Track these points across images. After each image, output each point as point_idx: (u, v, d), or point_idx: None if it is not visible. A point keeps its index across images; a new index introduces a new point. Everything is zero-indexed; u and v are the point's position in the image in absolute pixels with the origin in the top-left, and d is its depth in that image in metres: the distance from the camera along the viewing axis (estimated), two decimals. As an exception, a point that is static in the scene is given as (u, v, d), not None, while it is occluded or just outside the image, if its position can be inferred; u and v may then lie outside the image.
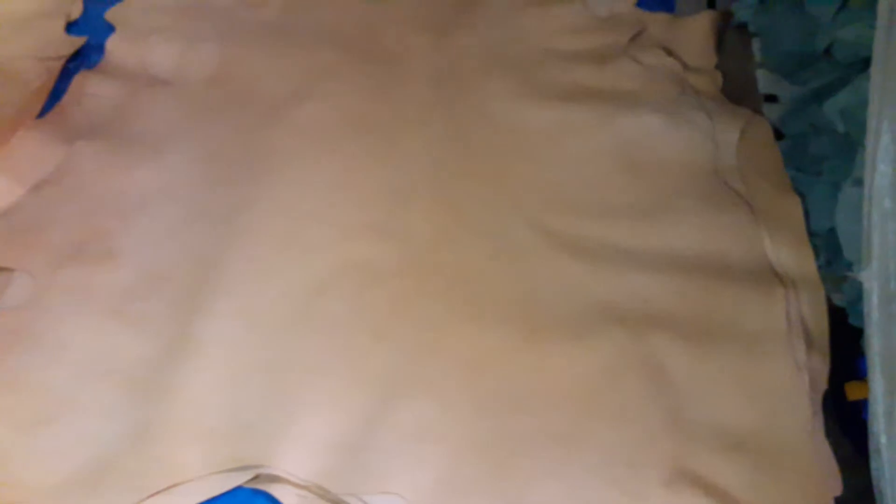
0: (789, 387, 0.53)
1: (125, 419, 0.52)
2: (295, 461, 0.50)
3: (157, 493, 0.49)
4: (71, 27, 0.82)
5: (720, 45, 0.82)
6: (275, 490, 0.50)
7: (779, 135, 0.71)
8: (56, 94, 0.75)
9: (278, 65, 0.77)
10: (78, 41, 0.80)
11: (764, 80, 0.78)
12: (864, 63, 0.65)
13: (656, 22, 0.82)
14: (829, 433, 0.52)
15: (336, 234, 0.63)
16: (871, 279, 0.46)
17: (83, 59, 0.79)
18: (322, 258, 0.61)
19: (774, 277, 0.59)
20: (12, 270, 0.61)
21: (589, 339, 0.56)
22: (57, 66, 0.76)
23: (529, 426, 0.52)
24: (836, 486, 0.50)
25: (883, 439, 0.45)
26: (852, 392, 0.56)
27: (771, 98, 0.76)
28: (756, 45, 0.81)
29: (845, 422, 0.55)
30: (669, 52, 0.79)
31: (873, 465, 0.47)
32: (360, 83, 0.76)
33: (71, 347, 0.56)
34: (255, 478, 0.50)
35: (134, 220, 0.64)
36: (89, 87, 0.75)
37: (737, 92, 0.77)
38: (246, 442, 0.51)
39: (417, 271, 0.61)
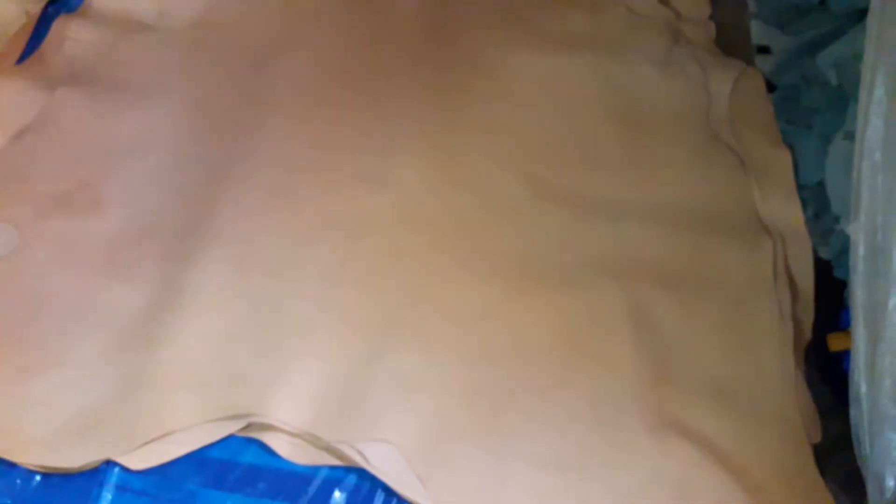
0: (774, 336, 0.54)
1: (115, 369, 0.52)
2: (287, 410, 0.50)
3: (149, 441, 0.49)
4: (50, -31, 0.80)
5: (714, -7, 0.81)
6: (267, 438, 0.50)
7: (771, 87, 0.70)
8: (35, 39, 0.73)
9: (265, 10, 0.75)
10: (57, -17, 0.77)
11: (757, 31, 0.77)
12: (860, 14, 0.64)
13: (649, -31, 0.81)
14: (810, 382, 0.54)
15: (324, 185, 0.62)
16: (857, 232, 0.47)
17: (63, 3, 0.77)
18: (312, 209, 0.61)
19: (762, 229, 0.60)
20: (-4, 221, 0.60)
21: (577, 290, 0.57)
22: (36, 9, 0.74)
23: (517, 376, 0.53)
24: (815, 434, 0.51)
25: (863, 388, 0.46)
26: (834, 343, 0.57)
27: (764, 49, 0.76)
28: (750, -7, 0.80)
29: (826, 371, 0.56)
30: (663, 1, 0.78)
31: (852, 412, 0.48)
32: (349, 31, 0.74)
33: (58, 298, 0.56)
34: (248, 426, 0.50)
35: (120, 169, 0.63)
36: (70, 32, 0.73)
37: (730, 43, 0.76)
38: (237, 391, 0.51)
39: (407, 223, 0.61)
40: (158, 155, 0.64)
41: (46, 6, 0.75)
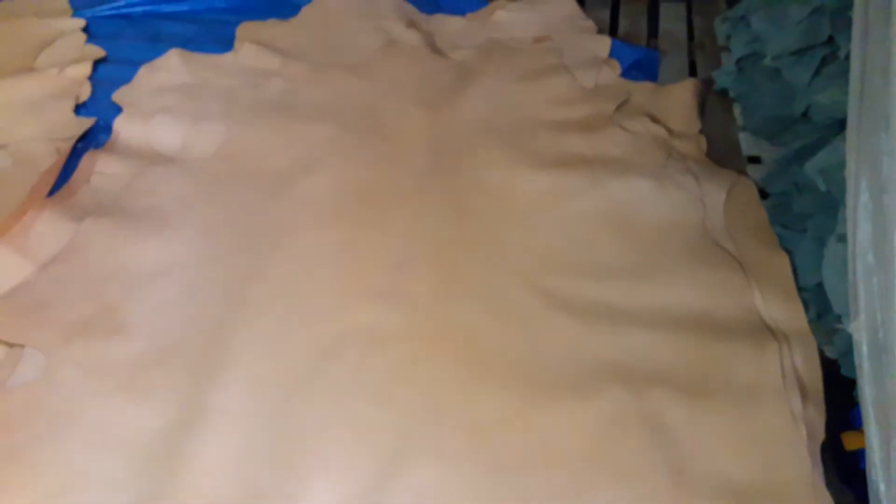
0: (787, 438, 0.54)
1: (136, 490, 0.53)
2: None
3: (170, 562, 0.49)
4: (79, 109, 0.85)
5: (703, 110, 0.85)
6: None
7: (763, 194, 0.74)
8: (66, 173, 0.77)
9: (281, 141, 0.80)
10: (87, 122, 0.83)
11: (747, 143, 0.81)
12: (840, 124, 0.68)
13: (641, 91, 0.87)
14: (830, 484, 0.53)
15: (339, 302, 0.65)
16: (859, 330, 0.48)
17: (91, 139, 0.82)
18: (326, 326, 0.63)
19: (767, 332, 0.61)
20: (23, 347, 0.62)
21: (588, 397, 0.58)
22: (67, 146, 0.79)
23: (534, 485, 0.53)
24: (839, 536, 0.51)
25: (882, 487, 0.46)
26: (849, 442, 0.57)
27: (754, 159, 0.80)
28: (737, 109, 0.85)
29: (845, 472, 0.56)
30: (655, 119, 0.83)
31: (874, 513, 0.48)
32: (360, 156, 0.79)
33: (82, 421, 0.57)
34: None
35: (141, 294, 0.66)
36: (98, 166, 0.78)
37: (721, 155, 0.80)
38: (256, 510, 0.52)
39: (419, 336, 0.62)
40: (178, 280, 0.67)
41: (76, 142, 0.80)
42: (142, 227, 0.72)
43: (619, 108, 0.83)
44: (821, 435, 0.55)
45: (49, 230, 0.70)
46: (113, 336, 0.62)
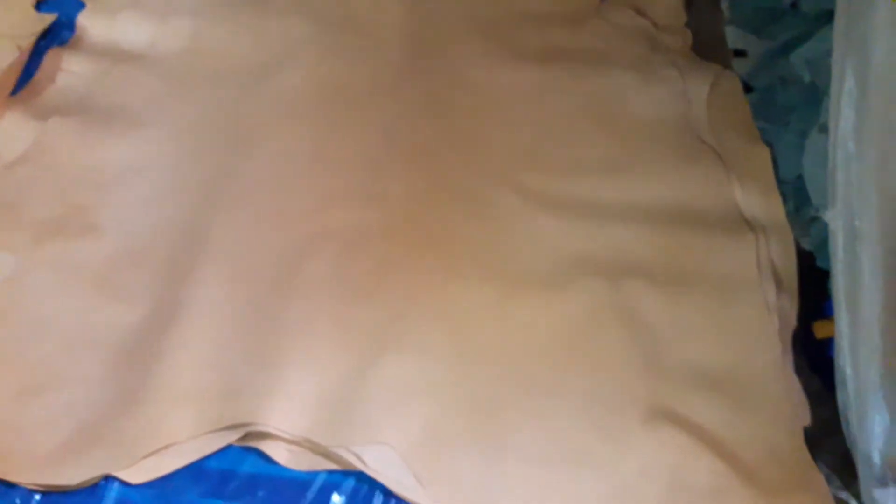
0: (760, 327, 0.55)
1: (114, 386, 0.53)
2: (283, 418, 0.51)
3: (149, 454, 0.50)
4: (40, 5, 0.81)
5: (689, 3, 0.83)
6: (265, 446, 0.51)
7: (748, 88, 0.72)
8: (28, 72, 0.74)
9: (252, 36, 0.77)
10: (48, 18, 0.79)
11: (733, 36, 0.79)
12: (830, 15, 0.65)
13: (625, -18, 0.83)
14: (798, 370, 0.55)
15: (317, 202, 0.64)
16: (835, 219, 0.48)
17: (54, 36, 0.78)
18: (304, 225, 0.62)
19: (745, 224, 0.61)
20: (-8, 247, 0.61)
21: (566, 291, 0.58)
22: (28, 43, 0.76)
23: (512, 376, 0.54)
24: (805, 418, 0.52)
25: (848, 370, 0.47)
26: (820, 331, 0.58)
27: (740, 53, 0.78)
28: (724, 2, 0.82)
29: (813, 359, 0.57)
30: (640, 12, 0.80)
31: (839, 396, 0.49)
32: (334, 52, 0.76)
33: (56, 320, 0.56)
34: (245, 436, 0.51)
35: (113, 194, 0.64)
36: (62, 64, 0.74)
37: (706, 49, 0.78)
38: (235, 402, 0.52)
39: (397, 235, 0.62)
40: (151, 179, 0.66)
41: (38, 40, 0.77)
42: (111, 126, 0.70)
43: (603, 0, 0.80)
44: (792, 324, 0.56)
45: (13, 129, 0.68)
46: (85, 235, 0.61)
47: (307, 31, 0.78)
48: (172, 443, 0.50)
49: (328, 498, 0.50)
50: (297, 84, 0.73)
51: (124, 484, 0.50)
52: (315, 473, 0.50)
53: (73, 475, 0.49)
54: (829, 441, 0.50)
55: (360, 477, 0.50)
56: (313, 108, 0.71)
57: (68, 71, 0.74)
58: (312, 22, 0.78)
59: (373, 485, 0.50)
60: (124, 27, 0.78)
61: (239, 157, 0.67)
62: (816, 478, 0.49)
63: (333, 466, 0.50)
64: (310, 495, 0.50)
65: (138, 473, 0.50)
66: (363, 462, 0.49)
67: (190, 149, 0.68)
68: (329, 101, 0.72)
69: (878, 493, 0.46)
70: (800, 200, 0.62)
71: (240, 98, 0.72)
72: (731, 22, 0.80)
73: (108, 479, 0.50)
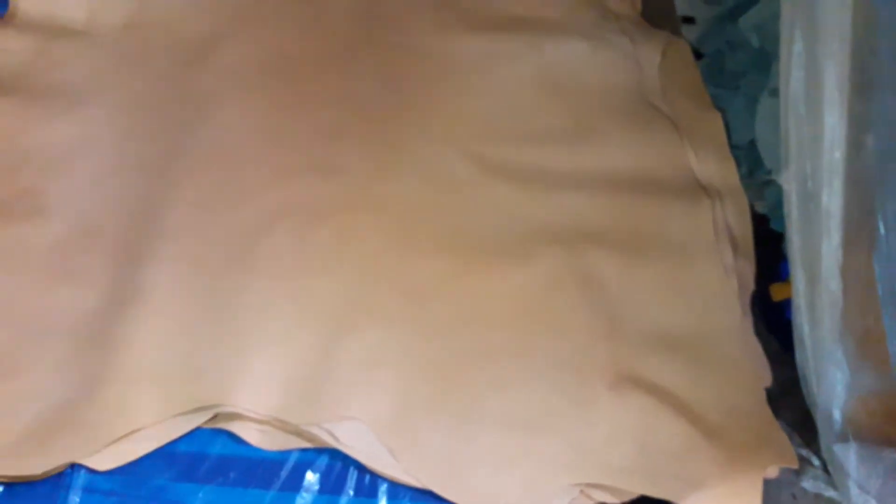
0: (719, 289, 0.57)
1: (75, 371, 0.52)
2: (252, 397, 0.50)
3: (116, 440, 0.49)
4: (-31, -21, 0.78)
5: (638, -30, 0.83)
6: (235, 428, 0.50)
7: (697, 54, 0.73)
8: (-40, 50, 0.71)
9: (196, 8, 0.75)
10: (-22, -7, 0.75)
11: (681, 3, 0.80)
12: (776, -19, 0.67)
13: (574, -51, 0.83)
14: (757, 332, 0.56)
15: (272, 176, 0.62)
16: (789, 181, 0.49)
17: (-15, 13, 0.75)
18: (260, 200, 0.61)
19: (700, 189, 0.62)
20: (-66, 234, 0.58)
21: (526, 259, 0.58)
22: (-42, 20, 0.72)
23: (475, 344, 0.54)
24: (766, 378, 0.54)
25: (806, 329, 0.49)
26: (777, 293, 0.60)
27: (688, 20, 0.79)
28: (672, -32, 0.83)
29: (771, 321, 0.59)
30: (590, -20, 0.80)
31: (798, 355, 0.50)
32: (282, 22, 0.74)
33: (7, 306, 0.55)
34: (214, 417, 0.50)
35: (60, 174, 0.62)
36: (-4, 41, 0.71)
37: (656, 15, 0.78)
38: (201, 384, 0.51)
39: (355, 207, 0.61)
40: (98, 157, 0.63)
41: (-32, 17, 0.74)
42: (53, 104, 0.67)
43: (552, -34, 0.80)
44: (751, 286, 0.58)
45: (-52, 111, 0.65)
46: (33, 218, 0.59)
47: (253, 1, 0.75)
48: (139, 427, 0.49)
49: (302, 476, 0.49)
50: (245, 56, 0.71)
51: (91, 471, 0.49)
52: (287, 453, 0.50)
53: (37, 465, 0.48)
54: (789, 401, 0.52)
55: (334, 454, 0.50)
56: (262, 81, 0.69)
57: (3, 49, 0.71)
58: (257, -9, 0.76)
59: (346, 461, 0.50)
60: (60, 2, 0.75)
61: (188, 133, 0.65)
62: (779, 436, 0.51)
63: (306, 444, 0.50)
64: (283, 474, 0.49)
65: (105, 460, 0.49)
66: (335, 438, 0.49)
67: (136, 125, 0.66)
68: (279, 72, 0.70)
69: (837, 448, 0.48)
70: (752, 164, 0.63)
71: (186, 72, 0.70)
72: (678, -11, 0.81)
73: (75, 467, 0.49)
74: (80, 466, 0.49)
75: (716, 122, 0.66)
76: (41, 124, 0.65)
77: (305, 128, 0.66)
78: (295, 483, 0.49)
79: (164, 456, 0.50)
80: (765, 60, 0.63)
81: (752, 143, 0.63)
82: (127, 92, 0.68)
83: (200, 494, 0.49)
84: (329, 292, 0.56)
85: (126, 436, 0.49)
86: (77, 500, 0.48)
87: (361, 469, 0.50)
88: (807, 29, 0.48)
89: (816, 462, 0.52)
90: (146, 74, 0.69)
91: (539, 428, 0.50)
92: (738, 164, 0.63)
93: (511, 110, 0.68)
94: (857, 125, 0.46)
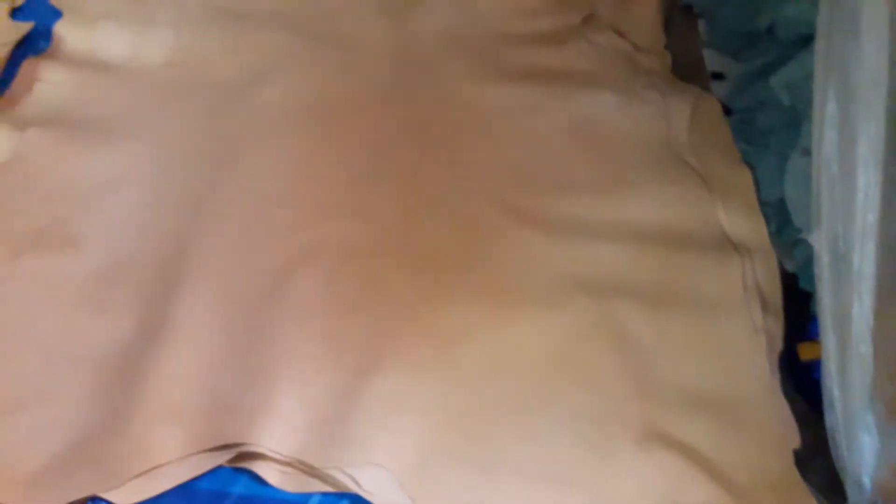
0: (748, 348, 0.56)
1: (100, 404, 0.52)
2: (275, 439, 0.50)
3: (138, 475, 0.49)
4: (16, 13, 0.80)
5: (667, 26, 0.84)
6: (256, 467, 0.50)
7: (727, 110, 0.74)
8: (4, 81, 0.73)
9: (234, 49, 0.77)
10: (24, 27, 0.77)
11: (711, 59, 0.80)
12: (805, 41, 0.68)
13: (605, 4, 0.84)
14: (785, 392, 0.55)
15: (304, 217, 0.63)
16: (820, 241, 0.49)
17: (30, 45, 0.77)
18: (291, 240, 0.61)
19: (729, 245, 0.62)
20: (-32, 261, 0.59)
21: (555, 309, 0.58)
22: (4, 52, 0.74)
23: (502, 393, 0.54)
24: (794, 439, 0.53)
25: (836, 393, 0.48)
26: (805, 352, 0.59)
27: (718, 76, 0.79)
28: (701, 25, 0.84)
29: (798, 381, 0.58)
30: (620, 33, 0.81)
31: (827, 418, 0.49)
32: (318, 67, 0.76)
33: (39, 336, 0.55)
34: (236, 456, 0.50)
35: (94, 207, 0.63)
36: (39, 74, 0.73)
37: (685, 71, 0.79)
38: (225, 422, 0.51)
39: (386, 251, 0.61)
40: (133, 192, 0.65)
41: (14, 49, 0.75)
42: (91, 137, 0.68)
43: (584, 21, 0.81)
44: (779, 345, 0.57)
45: (-10, 140, 0.67)
46: (66, 249, 0.60)
47: (290, 44, 0.77)
48: (161, 463, 0.49)
49: (322, 519, 0.49)
50: (280, 98, 0.73)
51: (111, 505, 0.49)
52: (308, 495, 0.50)
53: (57, 497, 0.48)
54: (817, 463, 0.51)
55: (355, 499, 0.49)
56: (297, 123, 0.71)
57: (46, 81, 0.73)
58: (296, 36, 0.78)
59: (367, 506, 0.49)
60: (102, 38, 0.77)
61: (222, 171, 0.66)
62: (808, 500, 0.50)
63: (327, 488, 0.50)
64: (303, 517, 0.49)
65: (126, 494, 0.49)
66: (357, 484, 0.49)
67: (172, 162, 0.67)
68: (313, 115, 0.72)
69: (867, 517, 0.47)
70: (781, 222, 0.63)
71: (222, 111, 0.71)
72: (708, 45, 0.82)
73: (95, 500, 0.49)
74: (101, 500, 0.49)
75: (745, 177, 0.66)
76: (79, 156, 0.67)
77: (338, 171, 0.67)
78: (314, 526, 0.49)
79: (184, 493, 0.49)
80: (795, 120, 0.63)
81: (782, 201, 0.62)
82: (163, 129, 0.69)
83: (219, 534, 0.48)
84: (356, 334, 0.56)
85: (148, 471, 0.49)
86: (96, 534, 0.48)
87: (382, 515, 0.49)
88: (840, 89, 0.48)
89: (845, 528, 0.51)
90: (184, 112, 0.71)
91: (563, 482, 0.50)
92: (767, 222, 0.63)
93: (542, 160, 0.69)
94: (892, 187, 0.46)
